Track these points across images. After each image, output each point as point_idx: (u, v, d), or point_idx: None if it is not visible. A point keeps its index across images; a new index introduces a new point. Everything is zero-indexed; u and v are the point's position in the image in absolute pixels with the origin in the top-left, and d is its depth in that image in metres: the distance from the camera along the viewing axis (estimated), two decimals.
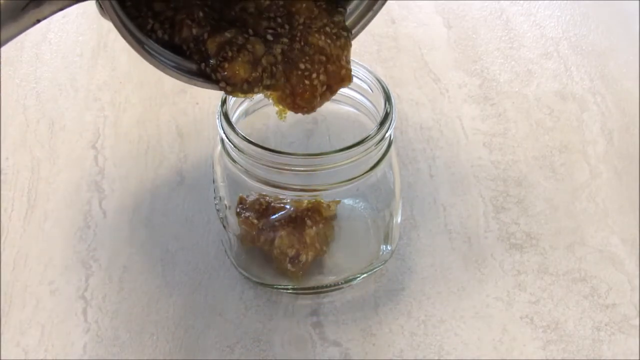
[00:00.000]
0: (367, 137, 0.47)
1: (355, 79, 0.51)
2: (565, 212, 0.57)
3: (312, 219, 0.50)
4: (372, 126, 0.49)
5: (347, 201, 0.53)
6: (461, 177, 0.59)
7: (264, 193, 0.51)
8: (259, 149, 0.46)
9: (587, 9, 0.74)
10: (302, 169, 0.47)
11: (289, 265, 0.50)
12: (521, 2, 0.75)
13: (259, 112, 0.53)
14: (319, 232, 0.51)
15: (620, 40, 0.71)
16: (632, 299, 0.52)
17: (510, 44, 0.71)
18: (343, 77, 0.46)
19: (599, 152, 0.61)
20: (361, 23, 0.48)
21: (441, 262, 0.54)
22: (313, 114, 0.48)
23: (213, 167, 0.52)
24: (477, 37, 0.71)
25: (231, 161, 0.49)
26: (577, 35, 0.72)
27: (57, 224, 0.56)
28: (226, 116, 0.48)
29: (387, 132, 0.48)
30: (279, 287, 0.52)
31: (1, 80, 0.66)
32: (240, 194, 0.51)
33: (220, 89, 0.44)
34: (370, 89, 0.51)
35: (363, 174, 0.48)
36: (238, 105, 0.51)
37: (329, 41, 0.46)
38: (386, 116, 0.48)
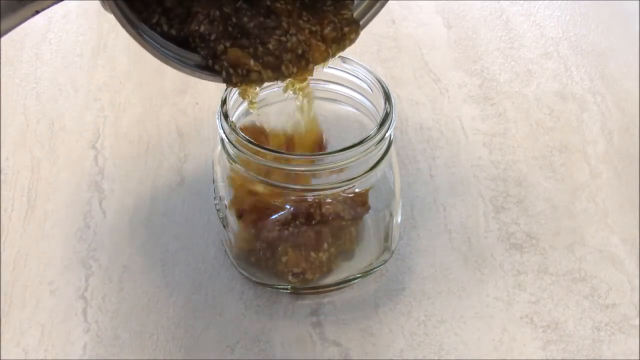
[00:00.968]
0: (367, 137, 0.47)
1: (355, 79, 0.52)
2: (565, 212, 0.57)
3: (333, 236, 0.50)
4: (372, 126, 0.49)
5: None
6: (461, 177, 0.59)
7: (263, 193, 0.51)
8: (259, 149, 0.46)
9: (587, 9, 0.74)
10: (302, 169, 0.47)
11: (290, 277, 0.50)
12: (521, 2, 0.75)
13: (259, 112, 0.53)
14: (330, 256, 0.50)
15: (620, 40, 0.71)
16: (632, 299, 0.52)
17: (510, 44, 0.71)
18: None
19: (599, 152, 0.61)
20: (370, 13, 0.48)
21: (441, 262, 0.54)
22: (313, 115, 0.48)
23: (213, 167, 0.52)
24: (477, 37, 0.71)
25: (231, 161, 0.49)
26: (577, 35, 0.72)
27: (57, 224, 0.56)
28: (226, 116, 0.48)
29: (387, 132, 0.48)
30: (279, 287, 0.52)
31: (1, 80, 0.66)
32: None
33: (224, 81, 0.44)
34: (370, 89, 0.51)
35: (363, 174, 0.48)
36: (238, 105, 0.51)
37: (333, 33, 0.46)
38: (386, 116, 0.48)
